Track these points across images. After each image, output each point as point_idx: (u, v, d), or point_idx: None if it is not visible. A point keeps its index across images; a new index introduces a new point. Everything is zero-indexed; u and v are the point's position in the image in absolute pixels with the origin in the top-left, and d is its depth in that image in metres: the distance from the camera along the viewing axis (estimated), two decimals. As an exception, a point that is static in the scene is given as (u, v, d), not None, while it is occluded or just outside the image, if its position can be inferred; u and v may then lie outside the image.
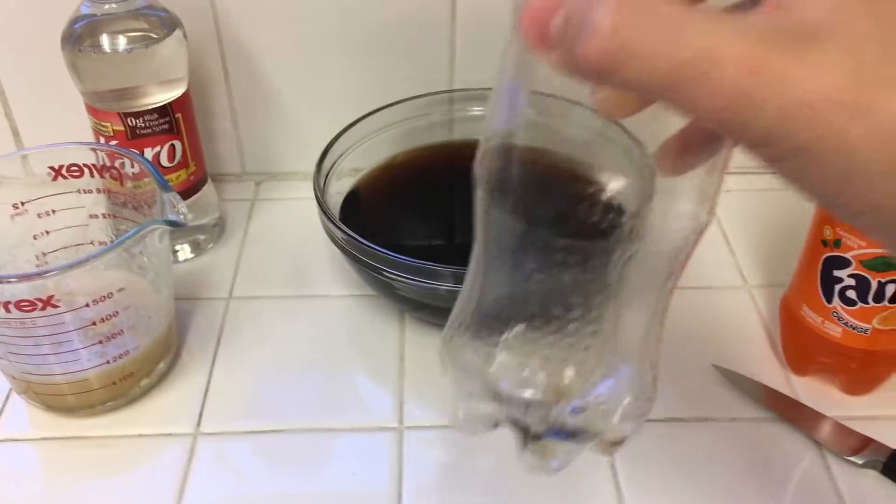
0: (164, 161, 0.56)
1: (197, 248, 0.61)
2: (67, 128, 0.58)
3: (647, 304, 0.33)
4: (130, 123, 0.54)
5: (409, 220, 0.60)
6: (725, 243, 0.62)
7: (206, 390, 0.51)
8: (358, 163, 0.61)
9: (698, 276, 0.60)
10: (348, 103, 0.61)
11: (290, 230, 0.64)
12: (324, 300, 0.58)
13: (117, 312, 0.45)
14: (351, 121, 0.60)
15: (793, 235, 0.51)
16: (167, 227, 0.45)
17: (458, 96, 0.64)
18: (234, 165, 0.68)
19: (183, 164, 0.57)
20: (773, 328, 0.54)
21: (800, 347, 0.51)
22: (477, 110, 0.64)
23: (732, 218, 0.65)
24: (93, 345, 0.46)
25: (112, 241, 0.48)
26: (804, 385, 0.51)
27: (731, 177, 0.67)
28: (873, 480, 0.46)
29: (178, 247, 0.60)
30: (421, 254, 0.49)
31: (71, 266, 0.42)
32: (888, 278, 0.45)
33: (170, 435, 0.49)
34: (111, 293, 0.44)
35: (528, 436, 0.35)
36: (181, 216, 0.45)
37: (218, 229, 0.63)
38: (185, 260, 0.61)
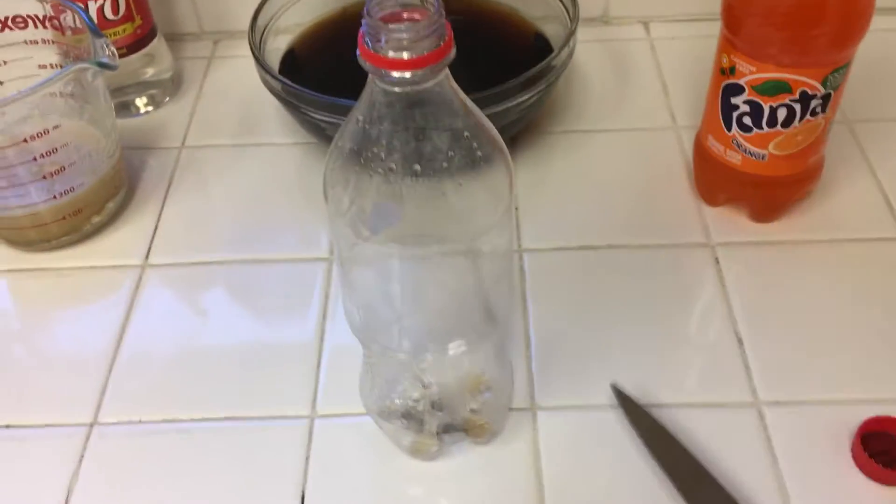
0: (109, 14, 0.58)
1: (153, 102, 0.64)
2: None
3: None
4: (74, -23, 0.56)
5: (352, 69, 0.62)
6: (662, 88, 0.64)
7: (156, 228, 0.56)
8: (302, 17, 0.63)
9: (630, 119, 0.62)
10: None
11: (244, 85, 0.66)
12: (271, 148, 0.61)
13: (56, 149, 0.49)
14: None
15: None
16: (98, 69, 0.48)
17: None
18: (192, 25, 0.71)
19: (128, 18, 0.60)
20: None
21: (708, 178, 0.54)
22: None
23: (673, 64, 0.66)
24: (38, 180, 0.50)
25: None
26: (716, 215, 0.54)
27: (675, 24, 0.69)
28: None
29: (137, 100, 0.64)
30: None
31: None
32: (779, 103, 0.46)
33: (121, 266, 0.53)
34: (47, 129, 0.48)
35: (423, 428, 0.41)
36: (110, 59, 0.48)
37: (173, 84, 0.66)
38: (145, 113, 0.64)
